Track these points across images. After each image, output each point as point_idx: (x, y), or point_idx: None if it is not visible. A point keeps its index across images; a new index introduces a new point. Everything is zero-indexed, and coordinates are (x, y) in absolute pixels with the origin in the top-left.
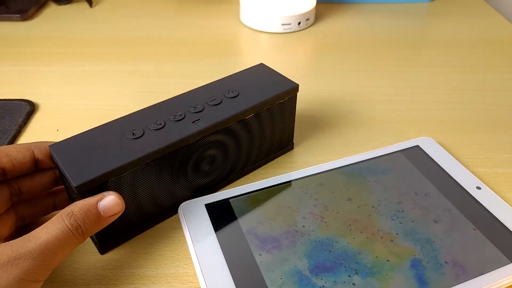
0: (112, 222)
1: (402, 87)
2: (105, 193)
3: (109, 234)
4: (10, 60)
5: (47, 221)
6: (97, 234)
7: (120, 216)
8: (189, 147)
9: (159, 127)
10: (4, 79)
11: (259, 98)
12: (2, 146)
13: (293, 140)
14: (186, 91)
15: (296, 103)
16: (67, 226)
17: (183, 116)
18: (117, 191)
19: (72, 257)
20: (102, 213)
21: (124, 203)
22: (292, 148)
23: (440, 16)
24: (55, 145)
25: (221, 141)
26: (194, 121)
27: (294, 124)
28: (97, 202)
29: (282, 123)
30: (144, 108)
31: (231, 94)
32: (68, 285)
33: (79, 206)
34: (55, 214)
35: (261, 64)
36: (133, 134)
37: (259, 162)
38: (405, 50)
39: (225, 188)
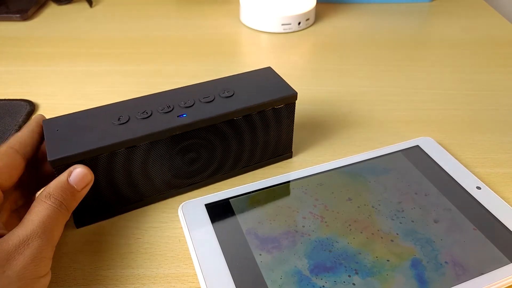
0: (85, 199)
1: (402, 87)
2: (71, 168)
3: (83, 211)
4: (10, 60)
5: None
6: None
7: (93, 194)
8: (169, 140)
9: (145, 116)
10: (4, 79)
11: (251, 101)
12: (17, 136)
13: (291, 148)
14: None
15: (294, 111)
16: (51, 205)
17: (171, 108)
18: (92, 171)
19: (73, 257)
20: (75, 187)
21: (92, 173)
22: (290, 156)
23: (440, 16)
24: (47, 120)
25: (205, 139)
26: (179, 115)
27: (292, 133)
28: (67, 178)
29: (277, 130)
30: (138, 97)
31: (226, 94)
32: (68, 284)
33: (53, 186)
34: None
35: (269, 67)
36: (119, 119)
37: (251, 166)
38: (405, 50)
39: (211, 185)
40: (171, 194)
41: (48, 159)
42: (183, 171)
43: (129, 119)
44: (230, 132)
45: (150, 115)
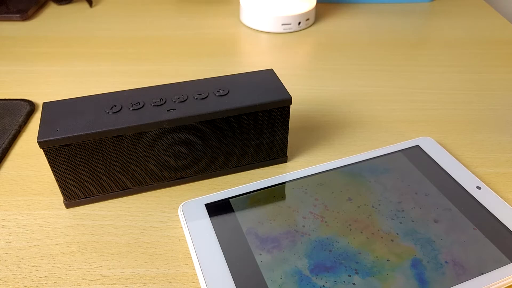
0: (69, 181)
1: (402, 87)
2: None
3: (70, 190)
4: (10, 60)
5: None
6: (62, 188)
7: (76, 178)
8: (157, 133)
9: (137, 108)
10: (4, 79)
11: (243, 102)
12: None
13: (286, 153)
14: None
15: (289, 116)
16: None
17: (164, 102)
18: (77, 155)
19: (72, 256)
20: None
21: None
22: (285, 161)
23: (440, 16)
24: (47, 103)
25: (193, 135)
26: (169, 110)
27: (287, 137)
28: None
29: (270, 133)
30: (136, 88)
31: (221, 92)
32: (68, 284)
33: None
34: None
35: (271, 69)
36: (112, 108)
37: (242, 166)
38: (405, 50)
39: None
40: (159, 186)
41: (37, 140)
42: (170, 164)
43: (121, 109)
44: (219, 130)
45: (142, 106)
